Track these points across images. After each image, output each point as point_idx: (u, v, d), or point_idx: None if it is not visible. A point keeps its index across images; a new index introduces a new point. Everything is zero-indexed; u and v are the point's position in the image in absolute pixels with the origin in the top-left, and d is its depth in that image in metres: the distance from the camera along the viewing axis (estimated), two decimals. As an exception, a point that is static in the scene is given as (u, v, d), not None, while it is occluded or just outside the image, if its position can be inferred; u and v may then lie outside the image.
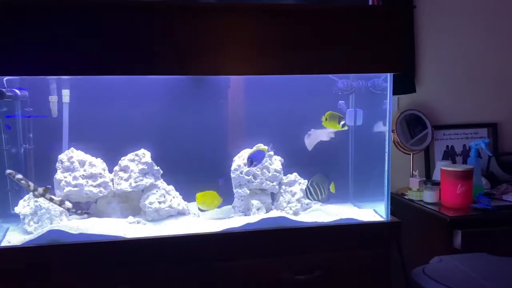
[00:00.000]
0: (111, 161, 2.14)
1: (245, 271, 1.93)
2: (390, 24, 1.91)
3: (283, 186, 2.23)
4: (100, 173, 2.08)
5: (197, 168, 2.25)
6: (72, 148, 2.09)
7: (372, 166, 2.16)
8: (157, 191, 2.11)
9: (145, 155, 2.12)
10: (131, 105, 2.21)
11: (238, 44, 1.82)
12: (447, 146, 2.82)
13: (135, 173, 2.09)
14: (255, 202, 2.14)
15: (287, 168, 2.25)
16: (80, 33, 1.71)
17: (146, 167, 2.10)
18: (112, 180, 2.12)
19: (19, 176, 1.87)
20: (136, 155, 2.12)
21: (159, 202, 2.08)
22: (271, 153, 2.21)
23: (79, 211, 2.02)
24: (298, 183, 2.24)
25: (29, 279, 1.78)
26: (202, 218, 2.15)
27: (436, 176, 2.61)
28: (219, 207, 2.18)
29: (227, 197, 2.18)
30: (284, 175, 2.24)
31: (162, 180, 2.16)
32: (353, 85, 2.27)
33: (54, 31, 1.69)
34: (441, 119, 2.82)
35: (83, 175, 2.05)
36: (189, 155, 2.25)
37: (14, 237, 1.92)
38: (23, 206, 2.00)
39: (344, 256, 2.00)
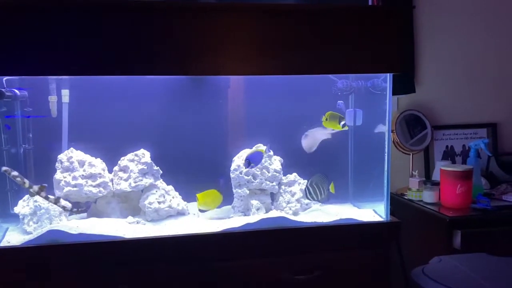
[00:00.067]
0: (111, 161, 2.14)
1: (245, 271, 1.93)
2: (390, 24, 1.91)
3: (283, 186, 2.23)
4: (100, 173, 2.08)
5: (196, 168, 2.25)
6: (71, 148, 2.09)
7: (371, 166, 2.17)
8: (156, 191, 2.11)
9: (145, 155, 2.12)
10: (130, 105, 2.21)
11: (238, 44, 1.82)
12: (447, 146, 2.82)
13: (134, 173, 2.09)
14: (254, 202, 2.14)
15: (287, 168, 2.25)
16: (80, 33, 1.71)
17: (145, 167, 2.10)
18: (111, 180, 2.12)
19: (15, 173, 1.86)
20: (136, 155, 2.12)
21: (159, 202, 2.08)
22: (271, 153, 2.21)
23: (75, 209, 2.01)
24: (298, 183, 2.24)
25: (29, 279, 1.77)
26: (201, 218, 2.15)
27: (436, 176, 2.61)
28: (219, 207, 2.18)
29: (227, 197, 2.18)
30: (283, 175, 2.24)
31: (161, 180, 2.16)
32: (352, 85, 2.27)
33: (54, 31, 1.69)
34: (440, 119, 2.82)
35: (83, 175, 2.05)
36: (189, 155, 2.25)
37: (14, 237, 1.92)
38: (23, 206, 2.00)
39: (343, 256, 2.00)
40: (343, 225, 2.01)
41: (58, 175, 2.04)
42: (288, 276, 1.94)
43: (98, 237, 1.84)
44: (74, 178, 2.03)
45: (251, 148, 2.21)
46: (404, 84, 2.68)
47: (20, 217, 1.99)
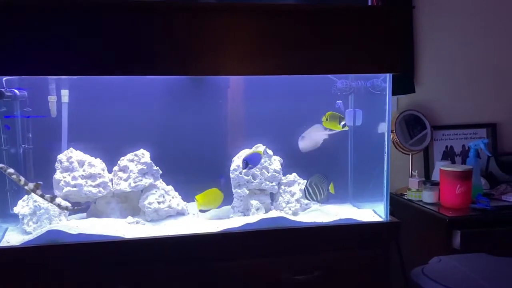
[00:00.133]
0: (110, 161, 2.14)
1: (244, 271, 1.93)
2: (390, 24, 1.91)
3: (282, 186, 2.23)
4: (99, 173, 2.08)
5: (196, 168, 2.25)
6: (71, 148, 2.09)
7: (371, 166, 2.17)
8: (156, 191, 2.11)
9: (144, 155, 2.12)
10: (130, 105, 2.21)
11: (238, 44, 1.82)
12: (446, 147, 2.82)
13: (134, 173, 2.09)
14: (254, 202, 2.14)
15: (286, 168, 2.25)
16: (80, 33, 1.71)
17: (145, 167, 2.10)
18: (111, 180, 2.12)
19: (11, 170, 1.86)
20: (135, 155, 2.12)
21: (158, 202, 2.08)
22: (270, 152, 2.21)
23: (70, 207, 1.99)
24: (298, 183, 2.23)
25: (29, 279, 1.77)
26: (201, 218, 2.15)
27: (435, 176, 2.61)
28: (219, 207, 2.18)
29: (226, 197, 2.18)
30: (283, 175, 2.24)
31: (161, 180, 2.15)
32: (352, 85, 2.27)
33: (54, 31, 1.69)
34: (440, 119, 2.83)
35: (82, 175, 2.05)
36: (189, 155, 2.25)
37: (13, 237, 1.91)
38: (22, 206, 1.99)
39: (343, 256, 2.00)
40: (342, 225, 2.01)
41: (57, 175, 2.04)
42: (287, 276, 1.94)
43: (97, 237, 1.84)
44: (74, 178, 2.03)
45: (250, 148, 2.21)
46: (403, 84, 2.69)
47: (20, 217, 1.99)
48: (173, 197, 2.15)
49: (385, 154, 2.04)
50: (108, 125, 2.20)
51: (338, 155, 2.37)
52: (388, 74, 1.99)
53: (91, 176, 2.06)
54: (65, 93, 2.09)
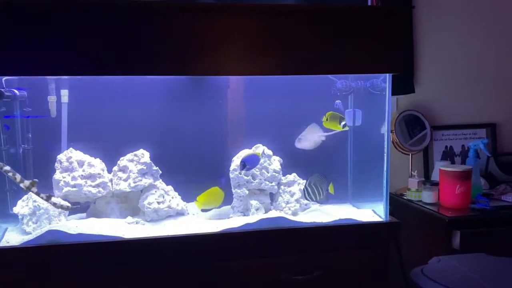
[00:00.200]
0: (110, 161, 2.13)
1: (244, 271, 1.93)
2: (390, 24, 1.92)
3: (282, 187, 2.23)
4: (99, 173, 2.08)
5: (196, 168, 2.25)
6: (71, 148, 2.09)
7: (371, 166, 2.17)
8: (156, 191, 2.11)
9: (144, 155, 2.12)
10: (130, 105, 2.21)
11: (238, 44, 1.82)
12: (446, 147, 2.82)
13: (134, 173, 2.08)
14: (254, 203, 2.14)
15: (286, 169, 2.25)
16: (80, 33, 1.71)
17: (145, 167, 2.10)
18: (111, 180, 2.12)
19: (7, 167, 1.85)
20: (135, 155, 2.12)
21: (158, 203, 2.08)
22: (270, 153, 2.21)
23: (65, 206, 1.99)
24: (297, 184, 2.23)
25: (29, 279, 1.77)
26: (201, 218, 2.15)
27: (435, 176, 2.61)
28: (218, 207, 2.18)
29: (226, 197, 2.18)
30: (283, 176, 2.24)
31: (161, 180, 2.15)
32: (351, 85, 2.27)
33: (54, 31, 1.69)
34: (440, 119, 2.83)
35: (82, 175, 2.05)
36: (188, 155, 2.25)
37: (13, 237, 1.91)
38: (22, 206, 1.99)
39: (343, 256, 2.00)
40: (342, 225, 2.01)
41: (57, 175, 2.04)
42: (287, 276, 1.94)
43: (97, 237, 1.84)
44: (74, 178, 2.03)
45: (250, 148, 2.21)
46: (403, 84, 2.69)
47: (19, 217, 1.98)
48: (172, 197, 2.15)
49: (385, 154, 2.04)
50: (108, 125, 2.19)
51: (337, 155, 2.37)
52: (387, 74, 1.99)
53: (91, 176, 2.06)
54: (64, 93, 2.08)
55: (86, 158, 2.09)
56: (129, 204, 2.16)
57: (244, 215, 2.17)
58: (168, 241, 1.87)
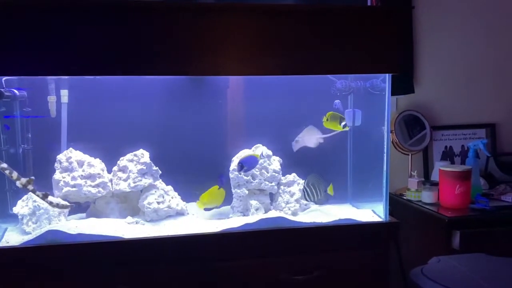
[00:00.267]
0: (110, 161, 2.13)
1: (244, 271, 1.93)
2: (390, 24, 1.92)
3: (282, 187, 2.23)
4: (99, 173, 2.08)
5: (196, 168, 2.25)
6: (70, 148, 2.09)
7: (370, 166, 2.17)
8: (155, 192, 2.11)
9: (144, 155, 2.12)
10: (130, 105, 2.21)
11: (238, 44, 1.82)
12: (446, 147, 2.82)
13: (133, 173, 2.08)
14: (253, 203, 2.15)
15: (286, 169, 2.25)
16: (80, 33, 1.71)
17: (144, 167, 2.10)
18: (110, 180, 2.12)
19: (4, 165, 1.84)
20: (135, 155, 2.12)
21: (158, 203, 2.08)
22: (270, 153, 2.21)
23: (61, 205, 1.98)
24: (297, 184, 2.23)
25: (28, 279, 1.77)
26: (201, 218, 2.15)
27: (435, 176, 2.61)
28: (218, 207, 2.18)
29: (226, 197, 2.18)
30: (282, 176, 2.24)
31: (160, 180, 2.15)
32: (351, 85, 2.27)
33: (54, 31, 1.69)
34: (439, 119, 2.83)
35: (82, 175, 2.05)
36: (188, 155, 2.25)
37: (13, 237, 1.91)
38: (22, 207, 1.99)
39: (342, 256, 2.00)
40: (342, 225, 2.01)
41: (57, 175, 2.04)
42: (287, 276, 1.94)
43: (97, 237, 1.84)
44: (73, 178, 2.03)
45: (250, 148, 2.21)
46: (403, 84, 2.69)
47: (19, 217, 1.98)
48: (172, 197, 2.15)
49: (385, 154, 2.04)
50: (108, 125, 2.19)
51: (337, 155, 2.37)
52: (387, 74, 1.99)
53: (91, 176, 2.06)
54: (64, 93, 2.08)
55: (86, 158, 2.09)
56: (129, 204, 2.16)
57: (244, 215, 2.17)
58: (168, 241, 1.87)
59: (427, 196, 2.43)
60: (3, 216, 2.08)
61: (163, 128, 2.27)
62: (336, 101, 2.25)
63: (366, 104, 2.25)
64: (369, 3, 2.51)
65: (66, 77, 2.01)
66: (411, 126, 2.70)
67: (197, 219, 2.14)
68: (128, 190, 2.08)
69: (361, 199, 2.33)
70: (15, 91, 1.98)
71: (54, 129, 2.11)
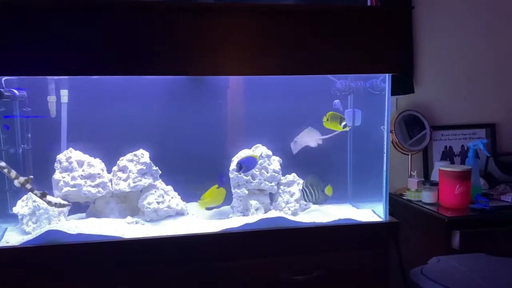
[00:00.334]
0: (110, 161, 2.13)
1: (244, 271, 1.93)
2: (389, 24, 1.92)
3: (282, 187, 2.23)
4: (99, 173, 2.08)
5: (195, 168, 2.25)
6: (70, 148, 2.09)
7: (370, 166, 2.17)
8: (155, 192, 2.11)
9: (144, 155, 2.12)
10: (129, 105, 2.21)
11: (238, 44, 1.82)
12: (446, 147, 2.82)
13: (133, 173, 2.08)
14: (253, 203, 2.15)
15: (286, 169, 2.25)
16: (80, 33, 1.71)
17: (144, 167, 2.10)
18: (110, 180, 2.12)
19: (2, 163, 1.84)
20: (135, 155, 2.12)
21: (158, 203, 2.08)
22: (269, 153, 2.21)
23: (59, 204, 1.98)
24: (297, 184, 2.23)
25: (28, 279, 1.77)
26: (200, 218, 2.15)
27: (435, 176, 2.61)
28: (218, 207, 2.18)
29: (226, 197, 2.18)
30: (282, 176, 2.24)
31: (160, 180, 2.15)
32: (351, 85, 2.27)
33: (54, 31, 1.69)
34: (439, 119, 2.83)
35: (82, 175, 2.05)
36: (188, 155, 2.25)
37: (13, 237, 1.91)
38: (22, 206, 1.99)
39: (342, 256, 2.00)
40: (341, 225, 2.01)
41: (57, 175, 2.04)
42: (287, 276, 1.94)
43: (97, 237, 1.84)
44: (73, 178, 2.03)
45: (250, 148, 2.21)
46: (403, 84, 2.69)
47: (19, 217, 1.98)
48: (172, 197, 2.15)
49: (385, 154, 2.04)
50: (108, 125, 2.19)
51: (337, 155, 2.37)
52: (387, 74, 1.99)
53: (90, 176, 2.06)
54: (64, 93, 2.08)
55: (86, 158, 2.09)
56: (129, 204, 2.16)
57: (244, 215, 2.16)
58: (167, 241, 1.87)
59: (427, 196, 2.43)
60: (3, 216, 2.08)
61: (163, 128, 2.27)
62: (335, 101, 2.25)
63: (366, 104, 2.25)
64: (369, 3, 2.51)
65: (66, 77, 2.00)
66: (411, 126, 2.70)
67: (197, 219, 2.14)
68: (128, 190, 2.08)
69: (361, 199, 2.33)
70: (15, 91, 1.98)
71: (54, 129, 2.11)
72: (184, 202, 2.18)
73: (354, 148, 2.37)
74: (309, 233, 1.98)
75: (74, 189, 2.02)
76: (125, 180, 2.09)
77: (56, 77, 2.02)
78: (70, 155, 2.06)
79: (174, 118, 2.28)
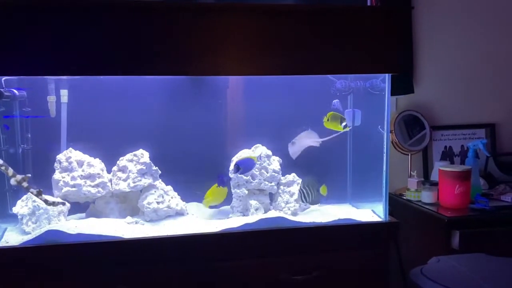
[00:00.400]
0: (110, 161, 2.13)
1: (243, 271, 1.93)
2: (389, 24, 1.92)
3: (282, 187, 2.23)
4: (99, 173, 2.08)
5: (195, 168, 2.24)
6: (70, 148, 2.08)
7: (370, 166, 2.17)
8: (155, 191, 2.10)
9: (144, 155, 2.12)
10: (129, 105, 2.21)
11: (237, 44, 1.82)
12: (445, 147, 2.82)
13: (133, 173, 2.08)
14: (253, 203, 2.14)
15: (285, 169, 2.25)
16: (80, 33, 1.71)
17: (144, 167, 2.10)
18: (110, 180, 2.12)
19: (0, 161, 1.85)
20: (135, 155, 2.12)
21: (158, 203, 2.08)
22: (269, 152, 2.21)
23: (57, 203, 1.98)
24: (297, 184, 2.23)
25: (28, 279, 1.77)
26: (200, 218, 2.15)
27: (434, 176, 2.61)
28: (218, 207, 2.18)
29: (226, 197, 2.18)
30: (282, 176, 2.24)
31: (160, 180, 2.15)
32: (351, 85, 2.27)
33: (54, 31, 1.69)
34: (439, 119, 2.83)
35: (81, 175, 2.04)
36: (188, 155, 2.25)
37: (12, 237, 1.91)
38: (21, 207, 1.99)
39: (342, 256, 2.00)
40: (341, 225, 2.01)
41: (56, 175, 2.04)
42: (286, 276, 1.94)
43: (97, 237, 1.84)
44: (73, 178, 2.03)
45: (250, 148, 2.21)
46: (402, 84, 2.68)
47: (19, 217, 1.98)
48: (172, 197, 2.15)
49: (384, 154, 2.04)
50: (107, 125, 2.19)
51: (337, 155, 2.37)
52: (387, 74, 1.99)
53: (90, 176, 2.06)
54: (64, 93, 2.08)
55: (86, 158, 2.09)
56: (129, 204, 2.16)
57: (244, 215, 2.16)
58: (167, 241, 1.87)
59: (426, 196, 2.43)
60: (2, 216, 2.08)
61: (163, 128, 2.27)
62: (334, 100, 2.25)
63: (366, 104, 2.24)
64: (369, 3, 2.51)
65: (66, 77, 2.00)
66: (410, 126, 2.70)
67: (196, 219, 2.14)
68: (127, 190, 2.08)
69: (360, 199, 2.33)
70: (15, 91, 1.98)
71: (54, 129, 2.10)
72: (184, 202, 2.18)
73: (354, 148, 2.37)
74: (309, 233, 1.98)
75: (74, 189, 2.02)
76: (125, 180, 2.09)
77: (56, 77, 2.02)
78: (70, 155, 2.06)
79: (174, 118, 2.28)
